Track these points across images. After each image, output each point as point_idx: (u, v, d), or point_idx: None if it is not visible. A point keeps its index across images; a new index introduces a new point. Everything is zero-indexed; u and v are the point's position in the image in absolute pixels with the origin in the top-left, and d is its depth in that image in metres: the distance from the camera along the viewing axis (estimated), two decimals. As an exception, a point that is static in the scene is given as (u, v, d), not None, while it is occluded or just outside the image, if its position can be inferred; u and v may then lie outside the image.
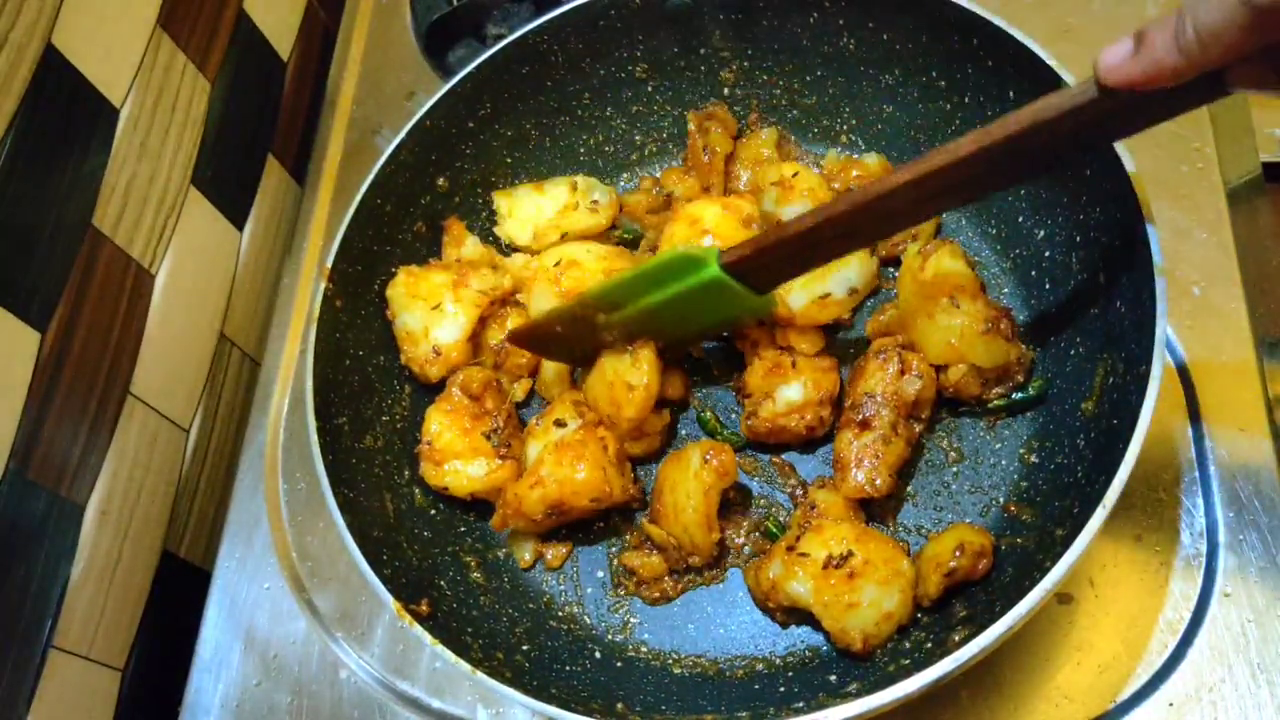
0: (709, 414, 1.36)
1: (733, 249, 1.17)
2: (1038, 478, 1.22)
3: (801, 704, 1.07)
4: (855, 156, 1.48)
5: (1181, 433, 1.27)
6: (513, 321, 1.42)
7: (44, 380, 1.24)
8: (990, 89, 1.29)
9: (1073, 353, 1.23)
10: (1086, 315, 1.21)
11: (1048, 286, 1.29)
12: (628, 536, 1.32)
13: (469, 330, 1.36)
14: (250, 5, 1.67)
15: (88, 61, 1.30)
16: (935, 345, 1.24)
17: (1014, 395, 1.26)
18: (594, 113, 1.54)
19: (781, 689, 1.16)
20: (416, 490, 1.33)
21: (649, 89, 1.54)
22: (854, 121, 1.49)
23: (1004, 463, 1.26)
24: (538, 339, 1.35)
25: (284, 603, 1.39)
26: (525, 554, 1.33)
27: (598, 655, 1.25)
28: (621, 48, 1.48)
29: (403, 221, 1.43)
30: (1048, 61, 1.17)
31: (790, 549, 1.16)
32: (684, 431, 1.39)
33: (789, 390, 1.27)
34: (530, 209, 1.49)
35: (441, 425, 1.31)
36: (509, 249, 1.51)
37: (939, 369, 1.25)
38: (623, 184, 1.59)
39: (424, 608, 1.15)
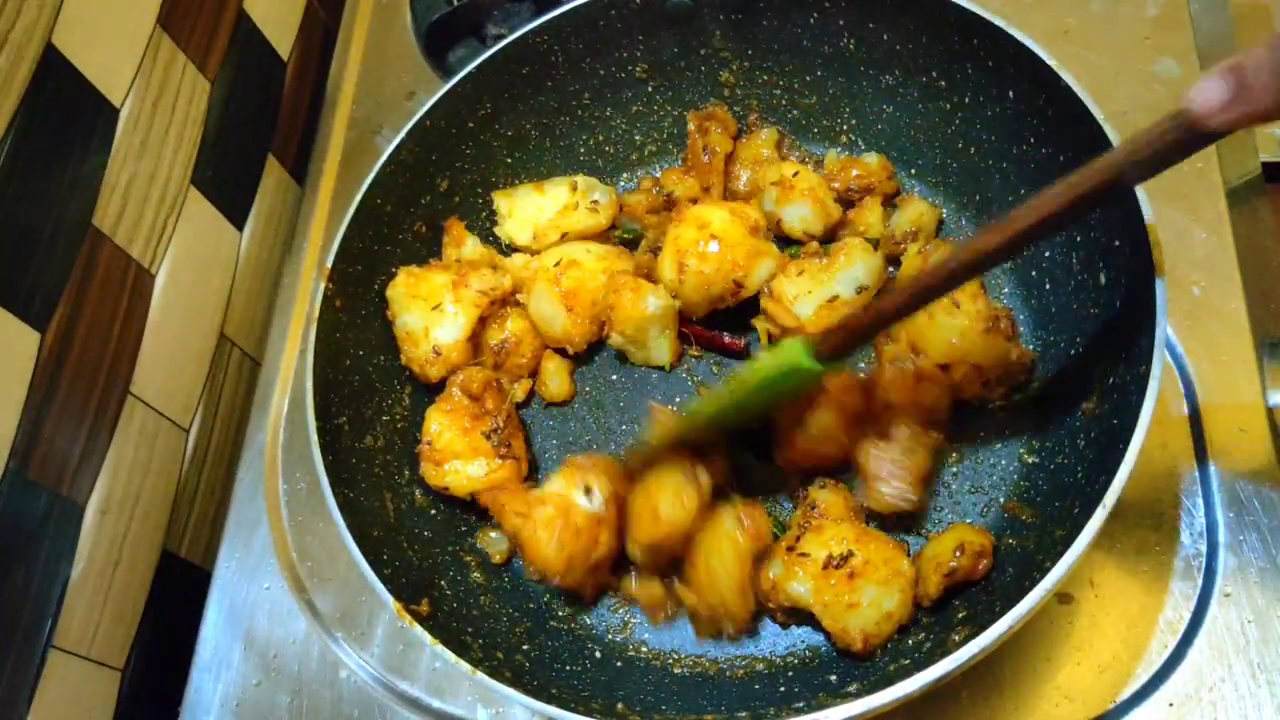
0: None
1: (826, 339, 1.13)
2: (1038, 478, 1.22)
3: (801, 704, 1.07)
4: (855, 156, 1.48)
5: (1181, 433, 1.27)
6: (513, 322, 1.42)
7: (44, 380, 1.24)
8: (990, 89, 1.29)
9: (1073, 353, 1.23)
10: (1086, 315, 1.21)
11: (1048, 286, 1.29)
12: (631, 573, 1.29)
13: (469, 330, 1.36)
14: (250, 5, 1.67)
15: (88, 61, 1.30)
16: (936, 345, 1.24)
17: (1015, 395, 1.26)
18: (594, 113, 1.54)
19: (781, 689, 1.16)
20: (416, 490, 1.33)
21: (649, 89, 1.54)
22: (854, 121, 1.49)
23: (1004, 463, 1.26)
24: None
25: (284, 603, 1.39)
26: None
27: (598, 655, 1.25)
28: (621, 48, 1.48)
29: (403, 221, 1.43)
30: (1048, 61, 1.17)
31: (790, 549, 1.16)
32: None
33: (820, 415, 1.23)
34: (530, 209, 1.49)
35: (441, 425, 1.31)
36: (509, 249, 1.51)
37: (941, 369, 1.25)
38: (623, 184, 1.59)
39: (424, 608, 1.15)
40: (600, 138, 1.57)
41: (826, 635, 1.15)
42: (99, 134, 1.34)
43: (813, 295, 1.32)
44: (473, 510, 1.35)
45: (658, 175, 1.57)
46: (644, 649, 1.25)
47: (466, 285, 1.37)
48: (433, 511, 1.34)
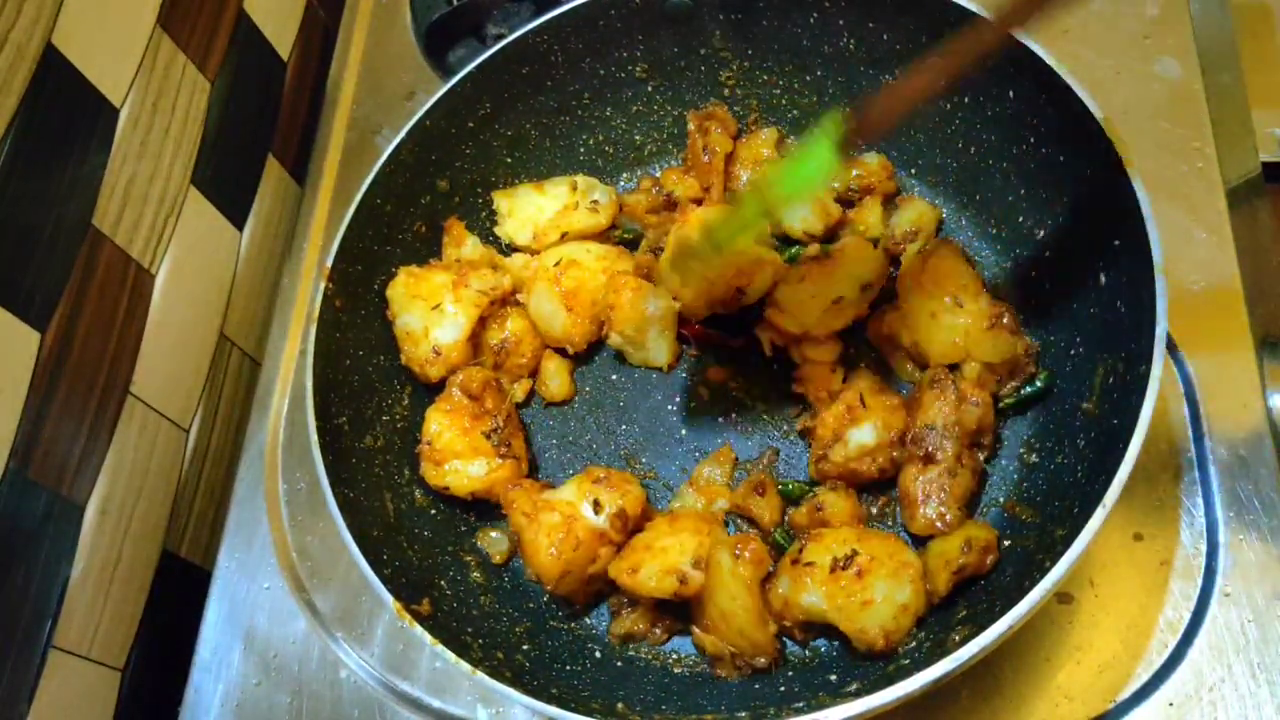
0: (791, 484, 1.31)
1: (858, 114, 1.07)
2: (1038, 478, 1.22)
3: (801, 704, 1.07)
4: (855, 156, 1.48)
5: (1181, 433, 1.27)
6: (513, 322, 1.42)
7: (44, 380, 1.24)
8: (990, 89, 1.29)
9: (1073, 353, 1.23)
10: (1086, 315, 1.21)
11: (1048, 286, 1.29)
12: (614, 604, 1.28)
13: (469, 330, 1.36)
14: (250, 5, 1.67)
15: (88, 61, 1.30)
16: (940, 345, 1.24)
17: (1023, 390, 1.26)
18: (594, 113, 1.54)
19: (781, 689, 1.16)
20: (416, 490, 1.33)
21: (649, 89, 1.54)
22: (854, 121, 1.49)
23: (1004, 463, 1.26)
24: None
25: (284, 603, 1.39)
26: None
27: (598, 655, 1.24)
28: (621, 48, 1.48)
29: (403, 221, 1.43)
30: (1047, 61, 1.17)
31: (795, 562, 1.16)
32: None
33: (860, 433, 1.23)
34: (530, 209, 1.49)
35: (441, 425, 1.31)
36: (509, 249, 1.51)
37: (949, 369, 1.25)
38: (623, 184, 1.59)
39: (424, 607, 1.15)
40: (600, 138, 1.57)
41: (846, 643, 1.14)
42: (99, 134, 1.34)
43: (816, 300, 1.32)
44: (473, 510, 1.35)
45: (658, 175, 1.56)
46: (644, 649, 1.25)
47: (466, 285, 1.37)
48: (433, 511, 1.34)
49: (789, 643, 1.21)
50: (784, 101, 1.52)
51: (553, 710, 1.03)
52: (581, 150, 1.57)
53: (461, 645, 1.11)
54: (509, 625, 1.24)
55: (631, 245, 1.51)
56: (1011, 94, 1.26)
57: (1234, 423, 1.26)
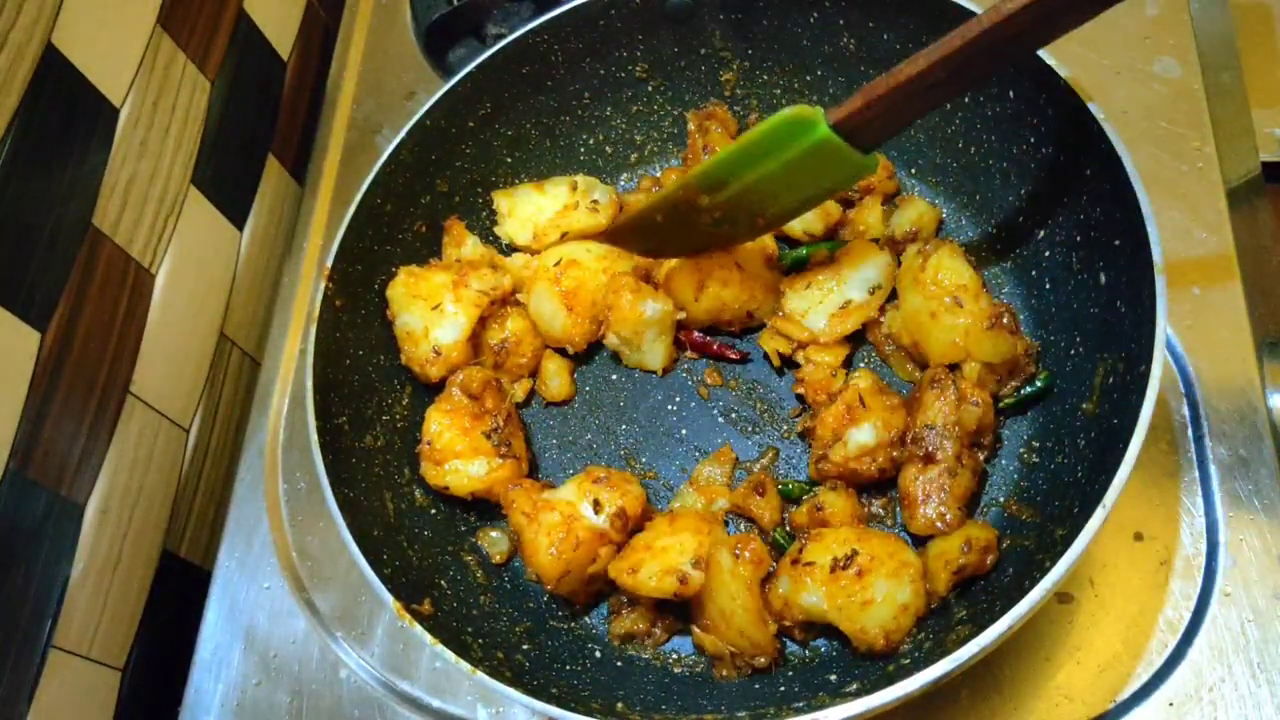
0: (791, 484, 1.31)
1: (842, 105, 1.09)
2: (1038, 478, 1.22)
3: (801, 704, 1.07)
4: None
5: (1181, 432, 1.27)
6: (513, 322, 1.42)
7: (44, 380, 1.24)
8: (990, 89, 1.29)
9: (1073, 353, 1.23)
10: (1086, 315, 1.21)
11: (1048, 286, 1.29)
12: (614, 603, 1.28)
13: (469, 330, 1.36)
14: (250, 5, 1.67)
15: (88, 61, 1.30)
16: (940, 345, 1.24)
17: (1023, 390, 1.26)
18: (594, 113, 1.54)
19: (781, 689, 1.16)
20: (417, 490, 1.33)
21: (649, 89, 1.54)
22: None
23: (1004, 463, 1.26)
24: (636, 233, 1.29)
25: (284, 603, 1.39)
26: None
27: (598, 655, 1.24)
28: (621, 48, 1.48)
29: (403, 221, 1.43)
30: (1047, 61, 1.17)
31: (795, 562, 1.16)
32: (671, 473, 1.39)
33: (860, 433, 1.23)
34: (530, 209, 1.49)
35: (441, 425, 1.31)
36: (509, 249, 1.51)
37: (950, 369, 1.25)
38: (623, 184, 1.59)
39: (425, 607, 1.15)
40: (600, 138, 1.57)
41: (845, 643, 1.14)
42: (99, 134, 1.34)
43: (823, 305, 1.32)
44: (473, 510, 1.35)
45: (657, 175, 1.57)
46: (644, 649, 1.25)
47: (466, 285, 1.37)
48: (433, 511, 1.34)
49: (789, 643, 1.21)
50: (784, 101, 1.52)
51: (553, 710, 1.03)
52: (581, 150, 1.57)
53: (461, 645, 1.11)
54: (509, 625, 1.24)
55: (631, 245, 1.51)
56: (1011, 94, 1.26)
57: (1234, 423, 1.26)
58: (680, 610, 1.23)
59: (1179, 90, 1.48)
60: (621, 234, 1.32)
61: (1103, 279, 1.17)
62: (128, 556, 1.40)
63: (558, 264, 1.40)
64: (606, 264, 1.40)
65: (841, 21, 1.39)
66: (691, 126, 1.52)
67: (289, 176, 1.81)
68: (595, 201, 1.48)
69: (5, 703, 1.19)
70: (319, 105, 1.80)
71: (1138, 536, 1.22)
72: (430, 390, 1.39)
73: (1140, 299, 1.06)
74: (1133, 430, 0.98)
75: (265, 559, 1.42)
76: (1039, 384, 1.25)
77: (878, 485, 1.27)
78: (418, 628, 1.09)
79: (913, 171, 1.47)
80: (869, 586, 1.11)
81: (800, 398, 1.34)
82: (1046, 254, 1.29)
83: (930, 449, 1.19)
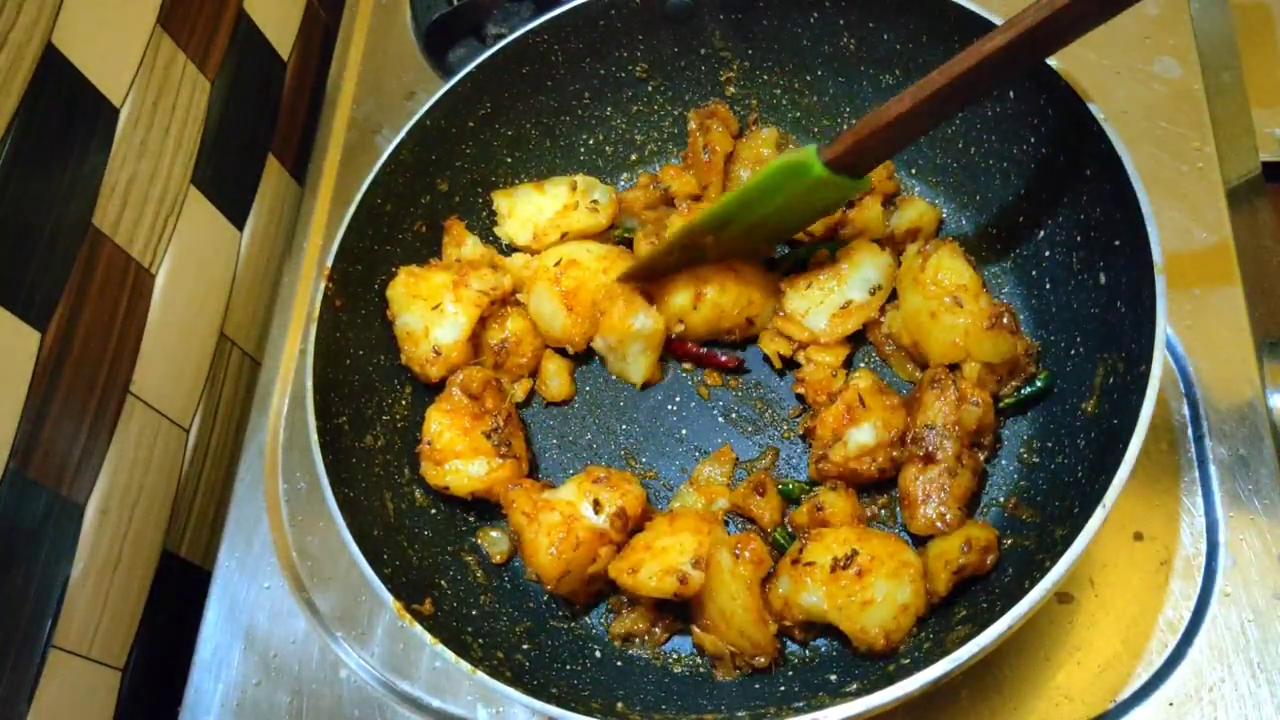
0: (791, 484, 1.31)
1: (832, 145, 1.17)
2: (1038, 478, 1.22)
3: (801, 704, 1.07)
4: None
5: (1181, 432, 1.27)
6: (513, 322, 1.42)
7: (44, 380, 1.24)
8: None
9: (1073, 353, 1.23)
10: (1086, 315, 1.21)
11: (1048, 286, 1.29)
12: (614, 603, 1.28)
13: (469, 330, 1.36)
14: (250, 5, 1.67)
15: (88, 61, 1.30)
16: (940, 345, 1.24)
17: (1023, 390, 1.26)
18: (594, 113, 1.54)
19: (781, 689, 1.16)
20: (417, 490, 1.33)
21: (649, 89, 1.54)
22: (854, 121, 1.49)
23: (1004, 463, 1.26)
24: (647, 273, 1.37)
25: (284, 603, 1.39)
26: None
27: (598, 655, 1.25)
28: (621, 47, 1.48)
29: (403, 221, 1.43)
30: (1048, 61, 1.17)
31: (795, 561, 1.16)
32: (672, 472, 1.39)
33: (860, 433, 1.22)
34: (530, 209, 1.49)
35: (442, 425, 1.31)
36: (509, 249, 1.51)
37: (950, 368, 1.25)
38: (622, 183, 1.59)
39: (425, 607, 1.15)
40: (600, 137, 1.57)
41: (845, 643, 1.14)
42: (99, 134, 1.34)
43: (824, 305, 1.32)
44: (473, 510, 1.35)
45: (657, 174, 1.56)
46: (644, 649, 1.25)
47: (466, 285, 1.37)
48: (433, 511, 1.34)
49: (789, 643, 1.21)
50: (784, 101, 1.52)
51: (553, 710, 1.03)
52: (581, 150, 1.57)
53: (461, 645, 1.11)
54: (509, 625, 1.24)
55: (631, 244, 1.51)
56: (1011, 94, 1.26)
57: (1234, 423, 1.26)
58: (680, 610, 1.23)
59: (1179, 90, 1.48)
60: (635, 277, 1.37)
61: (1103, 279, 1.17)
62: (128, 556, 1.40)
63: (558, 264, 1.40)
64: (606, 264, 1.40)
65: (841, 21, 1.39)
66: (693, 125, 1.52)
67: (289, 176, 1.81)
68: (595, 201, 1.48)
69: (5, 703, 1.19)
70: (319, 105, 1.80)
71: (1138, 536, 1.22)
72: (430, 390, 1.39)
73: (1140, 299, 1.06)
74: (1133, 430, 0.98)
75: (265, 559, 1.42)
76: (1039, 384, 1.25)
77: (878, 485, 1.27)
78: (418, 628, 1.09)
79: (913, 171, 1.47)
80: (869, 586, 1.11)
81: (800, 398, 1.34)
82: (1046, 254, 1.29)
83: (930, 449, 1.19)
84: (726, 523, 1.29)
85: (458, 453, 1.30)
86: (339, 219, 1.35)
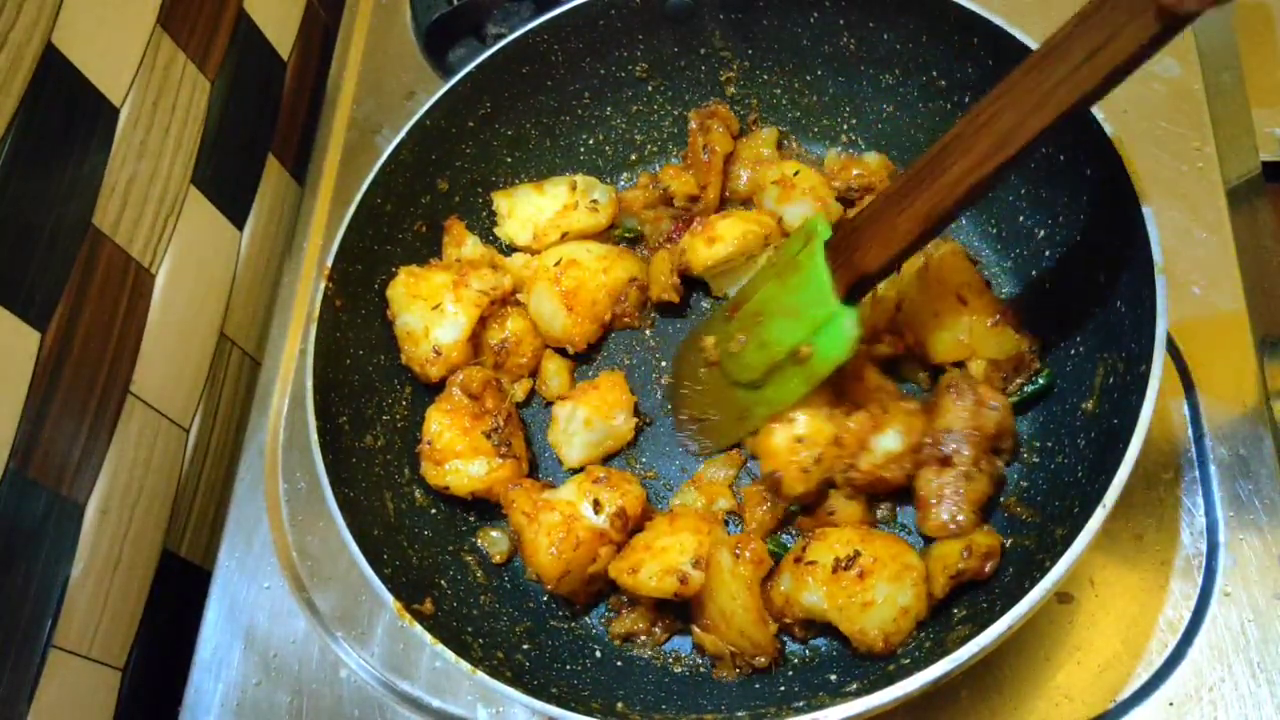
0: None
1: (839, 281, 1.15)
2: (1038, 478, 1.22)
3: (801, 704, 1.07)
4: (855, 156, 1.48)
5: (1181, 432, 1.27)
6: (513, 322, 1.42)
7: (44, 380, 1.24)
8: (990, 89, 1.29)
9: (1073, 352, 1.23)
10: (1086, 315, 1.21)
11: (1048, 286, 1.29)
12: (614, 603, 1.28)
13: (469, 330, 1.36)
14: (250, 5, 1.67)
15: (88, 61, 1.30)
16: (944, 343, 1.24)
17: (1026, 388, 1.26)
18: (594, 112, 1.54)
19: (781, 689, 1.16)
20: (417, 489, 1.33)
21: (649, 89, 1.54)
22: (854, 121, 1.49)
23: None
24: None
25: (284, 602, 1.39)
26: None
27: (598, 654, 1.25)
28: (621, 47, 1.48)
29: (403, 221, 1.43)
30: (1048, 61, 1.16)
31: (798, 560, 1.15)
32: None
33: (886, 440, 1.20)
34: (530, 209, 1.49)
35: (442, 425, 1.31)
36: (509, 249, 1.51)
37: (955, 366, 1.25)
38: (622, 183, 1.59)
39: (425, 607, 1.15)
40: (600, 137, 1.57)
41: (845, 643, 1.14)
42: (99, 134, 1.34)
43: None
44: (473, 510, 1.35)
45: (657, 174, 1.56)
46: (644, 649, 1.25)
47: (466, 285, 1.37)
48: (433, 511, 1.34)
49: (789, 642, 1.21)
50: (784, 101, 1.52)
51: (553, 710, 1.03)
52: (581, 150, 1.57)
53: (462, 645, 1.11)
54: (509, 625, 1.24)
55: (632, 244, 1.51)
56: (1011, 94, 1.26)
57: (1234, 423, 1.26)
58: (680, 610, 1.23)
59: (1179, 90, 1.48)
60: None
61: (1103, 279, 1.17)
62: (128, 556, 1.40)
63: (558, 264, 1.40)
64: (606, 264, 1.40)
65: (841, 21, 1.39)
66: (693, 125, 1.52)
67: (289, 176, 1.81)
68: (595, 201, 1.48)
69: (5, 703, 1.19)
70: (319, 105, 1.80)
71: (1138, 536, 1.22)
72: (430, 390, 1.39)
73: (1140, 299, 1.06)
74: (1133, 430, 0.98)
75: (265, 559, 1.42)
76: (1040, 381, 1.25)
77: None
78: (418, 628, 1.09)
79: (913, 171, 1.47)
80: (870, 588, 1.11)
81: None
82: (1046, 254, 1.29)
83: (947, 453, 1.18)
84: (726, 523, 1.29)
85: (458, 453, 1.30)
86: (339, 219, 1.35)
